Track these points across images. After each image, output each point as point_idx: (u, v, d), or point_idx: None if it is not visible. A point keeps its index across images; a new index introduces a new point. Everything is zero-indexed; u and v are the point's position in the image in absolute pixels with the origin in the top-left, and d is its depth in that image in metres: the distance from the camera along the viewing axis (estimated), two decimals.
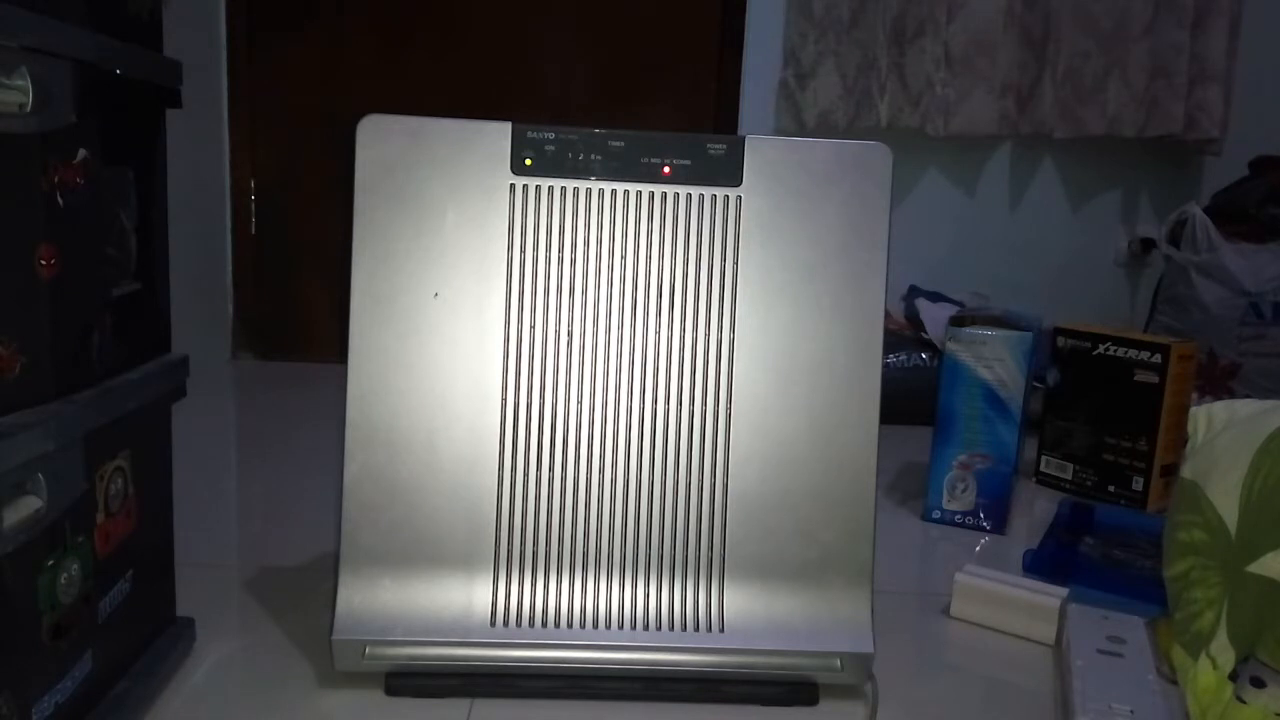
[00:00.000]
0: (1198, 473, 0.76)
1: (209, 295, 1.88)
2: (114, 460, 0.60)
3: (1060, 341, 1.29)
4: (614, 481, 0.69)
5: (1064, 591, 0.83)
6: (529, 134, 0.68)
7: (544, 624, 0.68)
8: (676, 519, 0.69)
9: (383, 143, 0.67)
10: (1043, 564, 0.94)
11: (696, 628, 0.68)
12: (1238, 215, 1.65)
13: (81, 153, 0.55)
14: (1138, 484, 1.22)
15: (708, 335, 0.69)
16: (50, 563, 0.53)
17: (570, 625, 0.68)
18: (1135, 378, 1.22)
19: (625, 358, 0.69)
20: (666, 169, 0.69)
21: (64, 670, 0.55)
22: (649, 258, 0.69)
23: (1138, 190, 2.06)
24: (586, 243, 0.69)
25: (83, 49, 0.54)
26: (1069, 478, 1.29)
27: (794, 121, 1.90)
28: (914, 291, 1.79)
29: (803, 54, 1.87)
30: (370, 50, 1.89)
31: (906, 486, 1.26)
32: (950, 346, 1.11)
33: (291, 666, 0.72)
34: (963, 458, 1.11)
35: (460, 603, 0.67)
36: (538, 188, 0.68)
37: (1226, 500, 0.72)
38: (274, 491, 1.13)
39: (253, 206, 1.93)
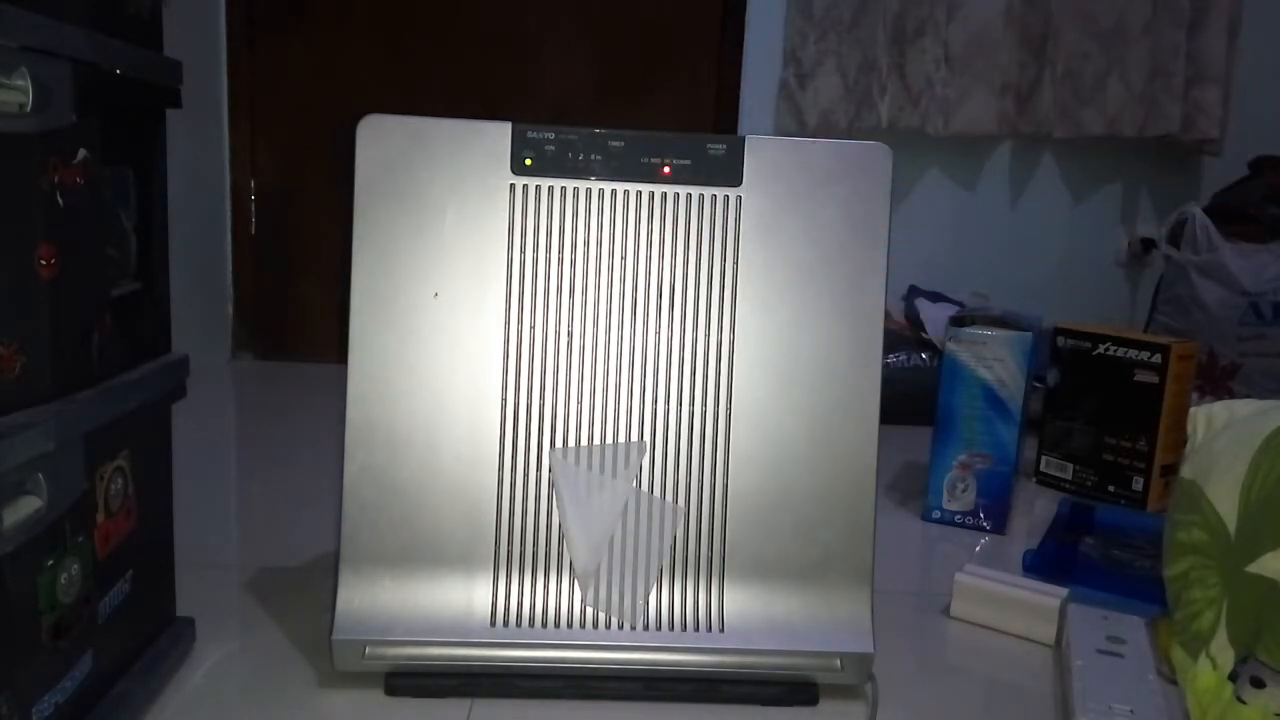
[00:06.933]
0: (1197, 473, 0.76)
1: (209, 295, 1.88)
2: (114, 460, 0.60)
3: (1060, 341, 1.29)
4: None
5: (1064, 591, 0.83)
6: (529, 134, 0.68)
7: (544, 624, 0.68)
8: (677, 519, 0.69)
9: (383, 143, 0.67)
10: (1043, 564, 0.94)
11: (696, 628, 0.68)
12: (1238, 215, 1.65)
13: (81, 153, 0.55)
14: (1138, 484, 1.22)
15: (708, 335, 0.69)
16: (50, 563, 0.53)
17: (570, 625, 0.68)
18: (1135, 378, 1.22)
19: (625, 358, 0.69)
20: (666, 169, 0.69)
21: (64, 670, 0.55)
22: (649, 258, 0.69)
23: (1138, 190, 2.06)
24: (586, 243, 0.69)
25: (83, 49, 0.54)
26: (1069, 478, 1.29)
27: (795, 121, 1.90)
28: (914, 291, 1.79)
29: (803, 54, 1.87)
30: (370, 50, 1.89)
31: (906, 486, 1.26)
32: (950, 346, 1.11)
33: (291, 666, 0.72)
34: (963, 458, 1.11)
35: (460, 603, 0.67)
36: (538, 188, 0.68)
37: (1226, 500, 0.72)
38: (274, 491, 1.13)
39: (253, 206, 1.92)
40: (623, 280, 0.69)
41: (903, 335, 1.69)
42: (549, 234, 0.68)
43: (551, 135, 0.68)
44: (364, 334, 0.67)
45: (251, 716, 0.65)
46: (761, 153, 0.69)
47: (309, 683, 0.69)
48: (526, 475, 0.68)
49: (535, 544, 0.68)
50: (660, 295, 0.69)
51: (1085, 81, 1.91)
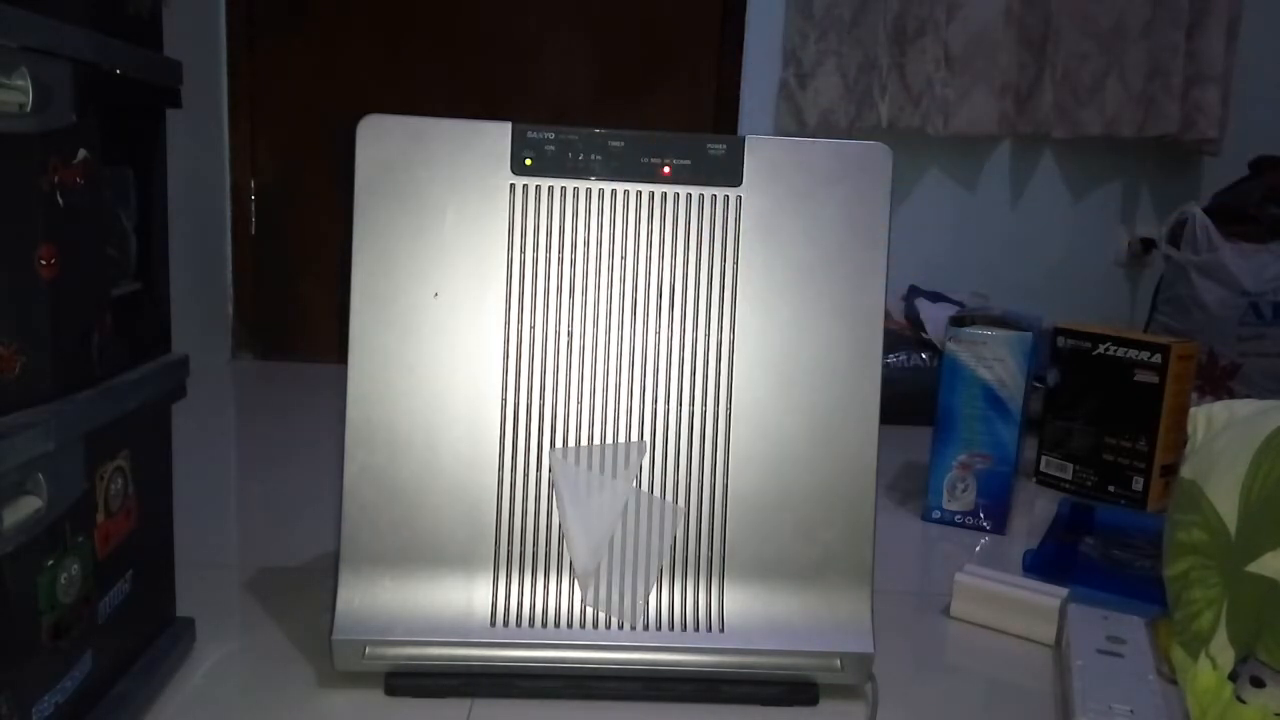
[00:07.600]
0: (1197, 472, 0.76)
1: (209, 295, 1.88)
2: (114, 460, 0.60)
3: (1060, 341, 1.29)
4: None
5: (1064, 591, 0.83)
6: (529, 134, 0.68)
7: (544, 624, 0.68)
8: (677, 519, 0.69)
9: (383, 143, 0.67)
10: (1043, 564, 0.94)
11: (696, 628, 0.68)
12: (1238, 215, 1.65)
13: (81, 153, 0.55)
14: (1138, 484, 1.22)
15: (708, 335, 0.69)
16: (50, 563, 0.53)
17: (570, 625, 0.68)
18: (1135, 378, 1.22)
19: (625, 358, 0.69)
20: (666, 169, 0.69)
21: (64, 670, 0.55)
22: (649, 258, 0.69)
23: (1138, 190, 2.06)
24: (586, 243, 0.69)
25: (83, 49, 0.54)
26: (1069, 478, 1.29)
27: (795, 121, 1.90)
28: (914, 291, 1.79)
29: (803, 54, 1.87)
30: (370, 50, 1.89)
31: (906, 486, 1.26)
32: (950, 346, 1.11)
33: (291, 667, 0.72)
34: (963, 458, 1.11)
35: (460, 603, 0.67)
36: (538, 188, 0.68)
37: (1226, 500, 0.72)
38: (274, 491, 1.13)
39: (253, 206, 1.93)
40: (623, 280, 0.69)
41: (903, 335, 1.69)
42: (549, 234, 0.68)
43: (551, 135, 0.68)
44: (364, 334, 0.67)
45: (251, 716, 0.65)
46: (761, 153, 0.69)
47: (309, 683, 0.69)
48: (526, 475, 0.68)
49: (535, 544, 0.68)
50: (660, 295, 0.69)
51: (1084, 82, 1.91)
